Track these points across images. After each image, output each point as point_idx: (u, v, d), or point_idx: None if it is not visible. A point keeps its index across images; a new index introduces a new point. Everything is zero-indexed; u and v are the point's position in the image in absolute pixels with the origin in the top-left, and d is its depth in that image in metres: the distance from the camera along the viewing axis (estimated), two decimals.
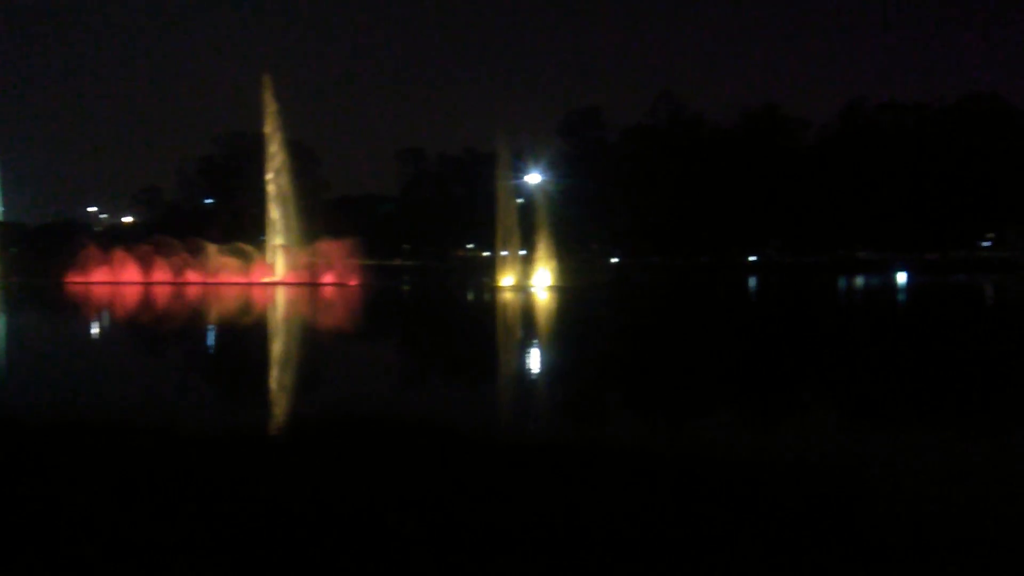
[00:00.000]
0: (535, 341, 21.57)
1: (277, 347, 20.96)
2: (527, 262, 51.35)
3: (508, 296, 40.94)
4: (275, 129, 62.24)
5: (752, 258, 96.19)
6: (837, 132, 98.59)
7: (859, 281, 56.58)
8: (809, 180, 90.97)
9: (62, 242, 67.59)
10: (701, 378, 14.46)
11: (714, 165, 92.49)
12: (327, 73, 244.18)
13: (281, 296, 44.09)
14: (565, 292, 43.02)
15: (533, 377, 14.87)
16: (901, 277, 60.81)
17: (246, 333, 25.62)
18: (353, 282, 54.29)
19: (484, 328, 26.21)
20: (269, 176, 61.45)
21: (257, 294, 46.09)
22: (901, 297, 40.56)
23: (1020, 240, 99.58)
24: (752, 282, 57.77)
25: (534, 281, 49.17)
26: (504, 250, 52.96)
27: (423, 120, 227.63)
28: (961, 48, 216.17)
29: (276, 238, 60.05)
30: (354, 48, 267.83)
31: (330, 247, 56.75)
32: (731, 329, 24.85)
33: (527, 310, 33.27)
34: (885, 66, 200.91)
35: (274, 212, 60.98)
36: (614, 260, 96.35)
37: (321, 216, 62.43)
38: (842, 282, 55.01)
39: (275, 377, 15.27)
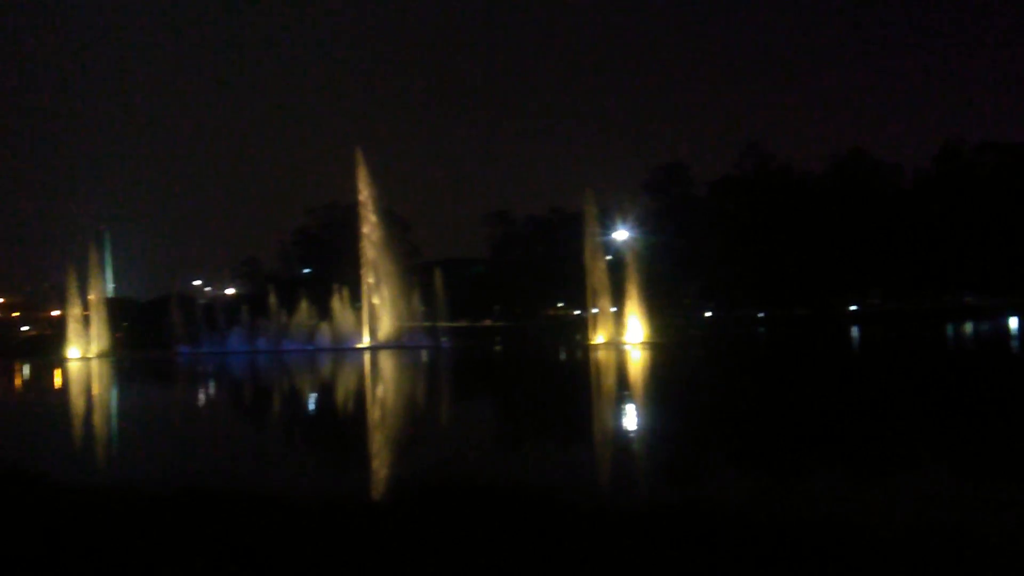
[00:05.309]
0: (637, 399, 21.25)
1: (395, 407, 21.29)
2: (619, 319, 50.96)
3: (602, 354, 40.61)
4: (368, 199, 64.20)
5: (852, 307, 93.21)
6: (934, 175, 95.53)
7: (968, 328, 54.08)
8: (907, 225, 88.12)
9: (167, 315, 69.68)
10: (832, 439, 13.96)
11: (806, 213, 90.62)
12: (415, 142, 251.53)
13: (384, 361, 44.81)
14: (660, 348, 42.44)
15: (649, 438, 14.58)
16: (1013, 323, 57.84)
17: (347, 398, 26.22)
18: (444, 344, 54.97)
19: (585, 386, 26.09)
20: (363, 244, 63.33)
21: (353, 358, 46.96)
22: (1015, 344, 38.53)
23: None
24: (854, 332, 55.83)
25: (627, 338, 48.72)
26: (595, 308, 52.76)
27: (509, 183, 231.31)
28: None
29: (373, 301, 61.62)
30: (441, 116, 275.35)
31: (420, 311, 57.92)
32: (837, 385, 24.00)
33: (623, 367, 32.88)
34: (969, 109, 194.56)
35: (369, 278, 62.61)
36: (708, 314, 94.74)
37: (412, 281, 63.64)
38: (950, 330, 52.70)
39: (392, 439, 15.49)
